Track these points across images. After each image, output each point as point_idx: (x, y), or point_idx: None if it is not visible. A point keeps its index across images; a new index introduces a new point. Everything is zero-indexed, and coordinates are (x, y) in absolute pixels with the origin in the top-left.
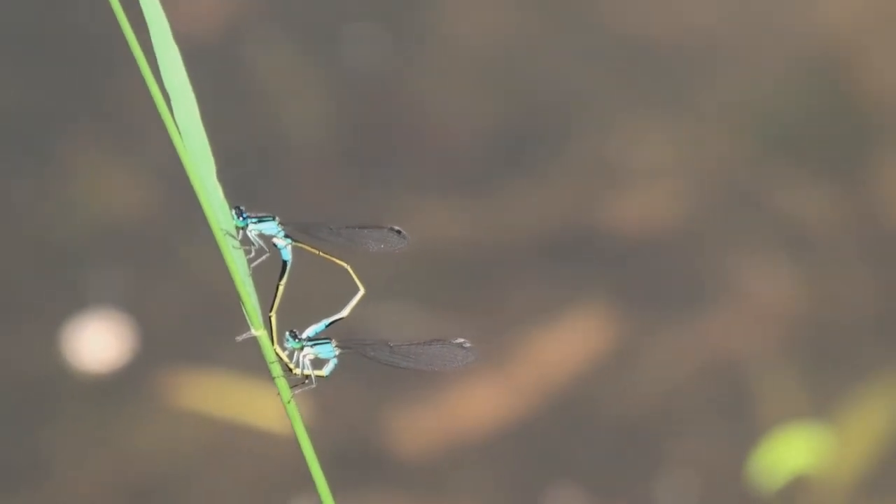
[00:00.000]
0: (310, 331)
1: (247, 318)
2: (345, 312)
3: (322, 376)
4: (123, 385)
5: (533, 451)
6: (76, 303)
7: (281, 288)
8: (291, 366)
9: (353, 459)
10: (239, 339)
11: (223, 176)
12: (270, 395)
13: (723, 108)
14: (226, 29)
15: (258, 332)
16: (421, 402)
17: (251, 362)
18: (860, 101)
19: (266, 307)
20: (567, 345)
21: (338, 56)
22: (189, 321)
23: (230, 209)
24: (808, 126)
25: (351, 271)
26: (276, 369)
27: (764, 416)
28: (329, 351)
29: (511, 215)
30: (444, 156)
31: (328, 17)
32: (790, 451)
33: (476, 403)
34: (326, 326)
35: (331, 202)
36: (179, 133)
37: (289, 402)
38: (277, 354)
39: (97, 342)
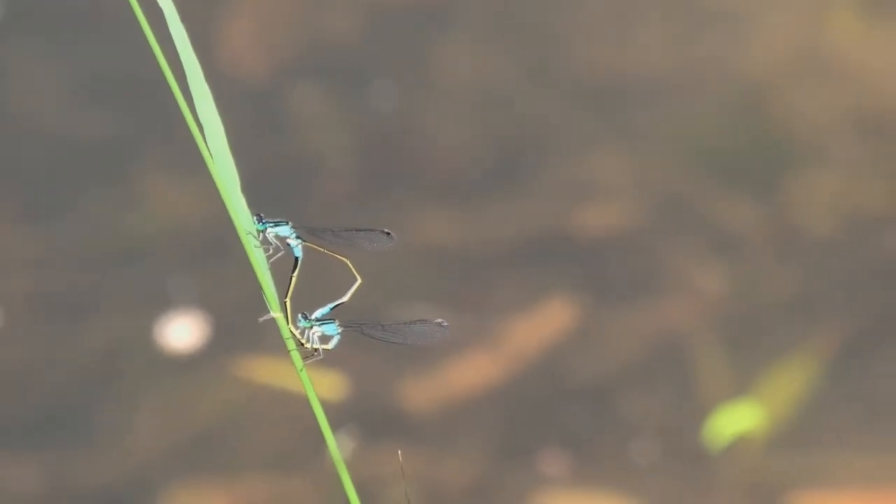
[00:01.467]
0: (317, 313)
1: (266, 303)
2: (346, 298)
3: (328, 349)
4: (196, 361)
5: (514, 408)
6: (159, 295)
7: (294, 279)
8: (303, 341)
9: (374, 416)
10: (260, 319)
11: (265, 191)
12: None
13: (668, 136)
14: (270, 74)
15: (276, 314)
16: (426, 373)
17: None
18: (778, 132)
19: (282, 294)
20: (542, 326)
21: (359, 98)
22: (243, 309)
23: (252, 216)
24: (736, 151)
25: (350, 265)
26: (291, 344)
27: (701, 382)
28: (333, 329)
29: (497, 223)
30: (443, 175)
31: (352, 67)
32: (730, 417)
33: (469, 373)
34: (331, 309)
35: (350, 212)
36: (211, 156)
37: (301, 370)
38: (292, 332)
39: (177, 328)
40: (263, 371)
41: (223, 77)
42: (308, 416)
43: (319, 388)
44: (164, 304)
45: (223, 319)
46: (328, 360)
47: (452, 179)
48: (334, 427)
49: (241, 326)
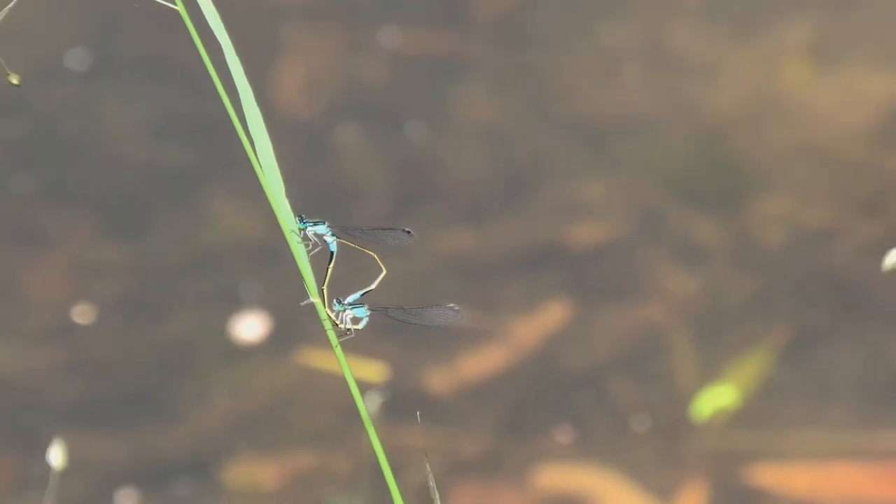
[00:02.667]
0: (350, 298)
1: (307, 290)
2: (373, 286)
3: (358, 329)
4: (260, 351)
5: (518, 391)
6: (228, 295)
7: (329, 269)
8: (338, 322)
9: (399, 395)
10: (302, 304)
11: (314, 208)
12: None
13: (646, 165)
14: (315, 112)
15: (315, 299)
16: (444, 362)
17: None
18: (738, 160)
19: (320, 283)
20: (541, 322)
21: (390, 132)
22: (299, 307)
23: (294, 217)
24: (703, 177)
25: (377, 258)
26: (328, 325)
27: (675, 368)
28: (363, 312)
29: (504, 236)
30: (459, 197)
31: (383, 107)
32: (709, 398)
33: (480, 361)
34: (361, 295)
35: (380, 223)
36: (262, 169)
37: (336, 347)
38: (328, 314)
39: (245, 323)
40: (317, 359)
41: (277, 114)
42: (349, 398)
43: (366, 373)
44: (233, 302)
45: (284, 316)
46: (371, 350)
47: (467, 201)
48: (366, 395)
49: (300, 322)
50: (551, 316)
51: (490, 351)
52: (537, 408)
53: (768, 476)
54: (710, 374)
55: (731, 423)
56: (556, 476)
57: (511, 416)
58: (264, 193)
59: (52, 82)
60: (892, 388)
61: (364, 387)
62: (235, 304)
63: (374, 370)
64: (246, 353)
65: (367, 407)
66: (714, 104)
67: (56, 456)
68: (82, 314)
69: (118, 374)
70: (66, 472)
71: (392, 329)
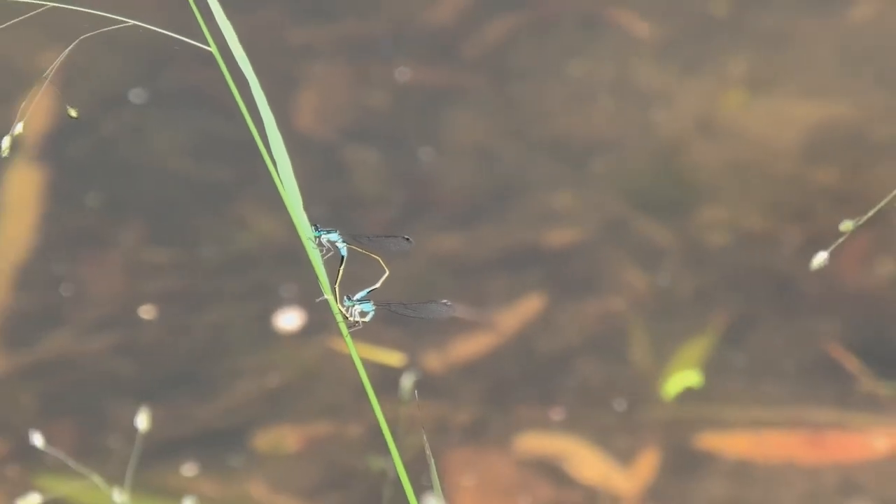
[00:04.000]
0: (358, 295)
1: (322, 288)
2: (377, 285)
3: (365, 321)
4: (298, 338)
5: (501, 368)
6: (262, 290)
7: (340, 271)
8: (347, 316)
9: (400, 374)
10: (317, 300)
11: (329, 216)
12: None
13: (610, 179)
14: (328, 133)
15: (328, 296)
16: (438, 347)
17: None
18: (687, 175)
19: (332, 282)
20: (521, 312)
21: (393, 151)
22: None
23: (311, 226)
24: (658, 189)
25: (380, 260)
26: (340, 318)
27: (634, 351)
28: (369, 307)
29: (488, 240)
30: (451, 206)
31: (386, 129)
32: (673, 379)
33: (469, 345)
34: (367, 292)
35: (384, 230)
36: (282, 183)
37: (347, 336)
38: (339, 309)
39: (286, 314)
40: (342, 345)
41: (296, 136)
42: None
43: (389, 360)
44: (264, 295)
45: (315, 310)
46: (378, 337)
47: (458, 209)
48: (381, 382)
49: (328, 316)
50: (529, 307)
51: (477, 336)
52: (517, 384)
53: (712, 442)
54: (663, 354)
55: (681, 396)
56: (533, 441)
57: (495, 390)
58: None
59: (112, 112)
60: (817, 368)
61: (387, 371)
62: (265, 296)
63: (394, 358)
64: (277, 339)
65: (402, 384)
66: (667, 128)
67: (142, 421)
68: (147, 311)
69: (165, 357)
70: (120, 439)
71: (395, 321)
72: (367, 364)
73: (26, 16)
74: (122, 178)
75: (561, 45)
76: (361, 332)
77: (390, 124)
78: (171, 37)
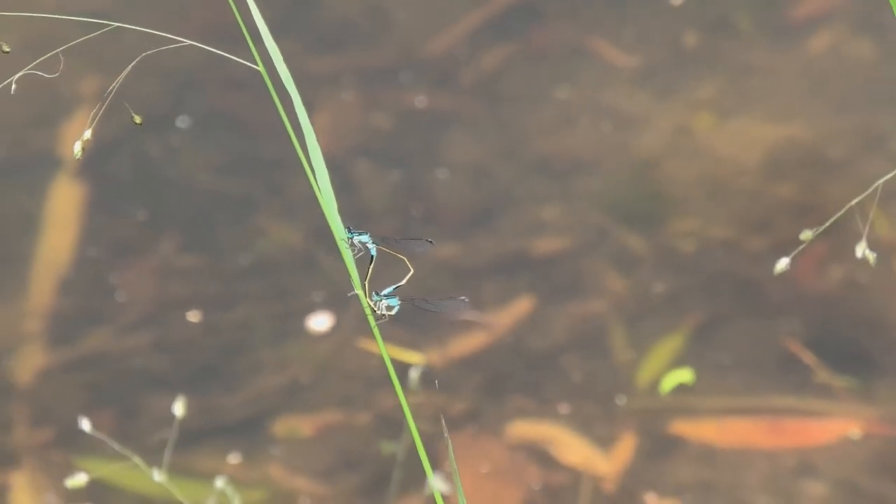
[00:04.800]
0: (385, 291)
1: (353, 284)
2: (403, 282)
3: (392, 315)
4: (327, 339)
5: (495, 363)
6: (285, 292)
7: (370, 269)
8: (375, 309)
9: (408, 368)
10: (349, 294)
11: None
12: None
13: (592, 193)
14: (340, 152)
15: (358, 291)
16: (440, 343)
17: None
18: (662, 189)
19: (362, 279)
20: (512, 312)
21: (396, 168)
22: (354, 306)
23: (344, 228)
24: (635, 202)
25: (406, 260)
26: (368, 311)
27: (614, 348)
28: (395, 302)
29: (484, 248)
30: (450, 218)
31: (390, 148)
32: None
33: (466, 342)
34: (393, 289)
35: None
36: (320, 191)
37: (374, 328)
38: (368, 303)
39: (318, 317)
40: (369, 346)
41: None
42: (371, 369)
43: (410, 359)
44: (285, 297)
45: (346, 311)
46: (389, 335)
47: (457, 221)
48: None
49: (358, 317)
50: (520, 308)
51: (474, 334)
52: (509, 377)
53: (682, 429)
54: (640, 351)
55: (653, 387)
56: (523, 428)
57: (489, 382)
58: (304, 214)
59: (149, 132)
60: (777, 362)
61: (406, 366)
62: (284, 298)
63: (415, 357)
64: (295, 336)
65: (411, 376)
66: (643, 147)
67: (179, 408)
68: (193, 315)
69: (195, 353)
70: (152, 425)
71: (401, 321)
72: (384, 360)
73: (89, 36)
74: (158, 193)
75: (548, 73)
76: (384, 333)
77: (395, 144)
78: (218, 56)
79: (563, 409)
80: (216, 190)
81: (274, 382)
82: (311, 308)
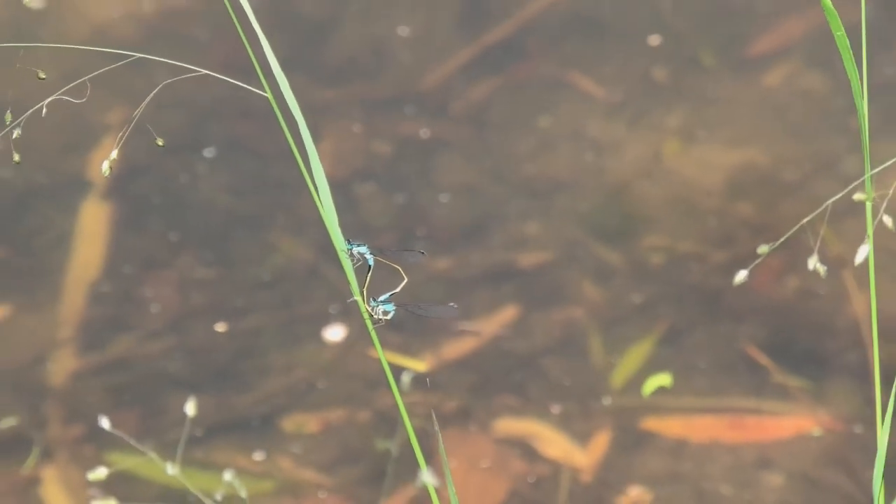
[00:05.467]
0: (381, 297)
1: (352, 291)
2: (397, 289)
3: (388, 319)
4: (336, 346)
5: (482, 365)
6: (288, 301)
7: (368, 277)
8: (373, 314)
9: (402, 369)
10: (348, 301)
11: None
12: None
13: (570, 211)
14: (343, 175)
15: (357, 298)
16: (432, 345)
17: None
18: (632, 209)
19: (361, 286)
20: (498, 319)
21: (393, 190)
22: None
23: (344, 240)
24: (609, 220)
25: (400, 269)
26: (366, 316)
27: (591, 353)
28: (391, 307)
29: (472, 261)
30: (442, 234)
31: (388, 172)
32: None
33: (457, 346)
34: (389, 296)
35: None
36: (322, 207)
37: (372, 331)
38: (366, 309)
39: (332, 328)
40: (374, 353)
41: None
42: (373, 373)
43: (413, 365)
44: (293, 305)
45: (355, 321)
46: (392, 342)
47: (447, 236)
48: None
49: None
50: (506, 315)
51: (464, 339)
52: (495, 378)
53: (652, 425)
54: (614, 354)
55: (627, 387)
56: (508, 425)
57: (478, 383)
58: (312, 231)
59: (170, 157)
60: (737, 365)
61: (405, 372)
62: (292, 306)
63: (418, 364)
64: (303, 341)
65: (403, 379)
66: (616, 171)
67: (190, 408)
68: (221, 326)
69: (210, 358)
70: (172, 423)
71: (396, 326)
72: (388, 365)
73: (114, 66)
74: (178, 212)
75: (530, 104)
76: (384, 340)
77: (393, 168)
78: (236, 89)
79: (546, 407)
80: (232, 209)
81: (283, 383)
82: (320, 316)
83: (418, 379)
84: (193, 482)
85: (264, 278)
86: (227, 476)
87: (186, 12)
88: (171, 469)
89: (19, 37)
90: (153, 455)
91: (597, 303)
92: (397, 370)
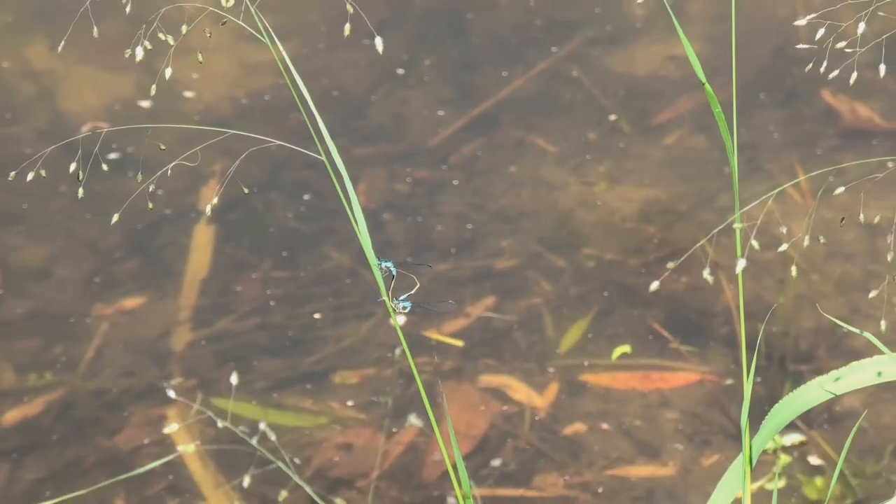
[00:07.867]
0: (402, 297)
1: (381, 293)
2: (412, 291)
3: (405, 313)
4: (372, 325)
5: (469, 338)
6: (337, 295)
7: (392, 283)
8: (396, 309)
9: (413, 341)
10: (378, 300)
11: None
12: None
13: (532, 230)
14: (371, 203)
15: (385, 298)
16: (435, 324)
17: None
18: (574, 229)
19: (388, 289)
20: (481, 305)
21: (408, 216)
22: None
23: (377, 258)
24: (559, 237)
25: (414, 277)
26: (391, 309)
27: (546, 328)
28: (408, 304)
29: (462, 266)
30: (442, 248)
31: (406, 201)
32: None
33: (452, 324)
34: (407, 295)
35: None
36: (359, 230)
37: (394, 318)
38: (391, 305)
39: (399, 318)
40: (430, 334)
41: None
42: (397, 341)
43: (453, 342)
44: (341, 297)
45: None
46: (416, 323)
47: (446, 249)
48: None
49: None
50: (486, 303)
51: (457, 320)
52: (479, 346)
53: (589, 378)
54: (561, 329)
55: (570, 352)
56: (488, 378)
57: (467, 349)
58: (350, 245)
59: (256, 194)
60: (647, 337)
61: (417, 340)
62: (340, 297)
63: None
64: (350, 322)
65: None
66: (563, 203)
67: (234, 378)
68: (290, 310)
69: (285, 332)
70: (256, 378)
71: (415, 314)
72: (431, 342)
73: (215, 140)
74: (261, 232)
75: (504, 157)
76: (423, 323)
77: (409, 201)
78: (295, 149)
79: (515, 366)
80: (298, 230)
81: (333, 350)
82: (359, 305)
83: (429, 346)
84: (270, 418)
85: (320, 278)
86: (262, 426)
87: (267, 95)
88: (220, 423)
89: (146, 120)
90: (205, 408)
91: (549, 294)
92: (412, 342)
